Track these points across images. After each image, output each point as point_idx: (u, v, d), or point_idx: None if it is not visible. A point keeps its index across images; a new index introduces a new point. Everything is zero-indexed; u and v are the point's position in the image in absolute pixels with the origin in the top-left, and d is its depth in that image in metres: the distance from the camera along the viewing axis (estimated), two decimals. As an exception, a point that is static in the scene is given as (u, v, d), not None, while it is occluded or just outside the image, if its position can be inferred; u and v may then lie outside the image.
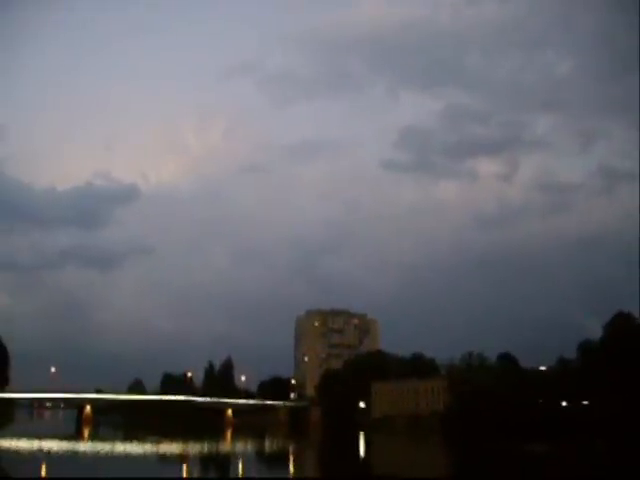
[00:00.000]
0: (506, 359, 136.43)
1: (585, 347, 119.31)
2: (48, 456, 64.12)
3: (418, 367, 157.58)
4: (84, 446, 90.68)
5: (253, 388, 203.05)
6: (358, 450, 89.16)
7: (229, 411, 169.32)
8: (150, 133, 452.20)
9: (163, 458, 69.85)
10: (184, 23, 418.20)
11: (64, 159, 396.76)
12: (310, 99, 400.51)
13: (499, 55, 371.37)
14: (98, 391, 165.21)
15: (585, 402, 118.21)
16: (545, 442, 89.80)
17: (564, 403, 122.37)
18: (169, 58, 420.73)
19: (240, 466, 60.99)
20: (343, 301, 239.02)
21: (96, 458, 67.03)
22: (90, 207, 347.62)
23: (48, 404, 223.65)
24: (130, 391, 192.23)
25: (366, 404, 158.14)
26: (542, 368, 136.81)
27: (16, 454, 64.63)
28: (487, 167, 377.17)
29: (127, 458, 67.33)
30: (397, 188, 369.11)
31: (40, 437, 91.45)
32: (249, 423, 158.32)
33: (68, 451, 76.20)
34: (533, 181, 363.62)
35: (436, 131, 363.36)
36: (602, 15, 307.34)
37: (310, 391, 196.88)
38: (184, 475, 51.32)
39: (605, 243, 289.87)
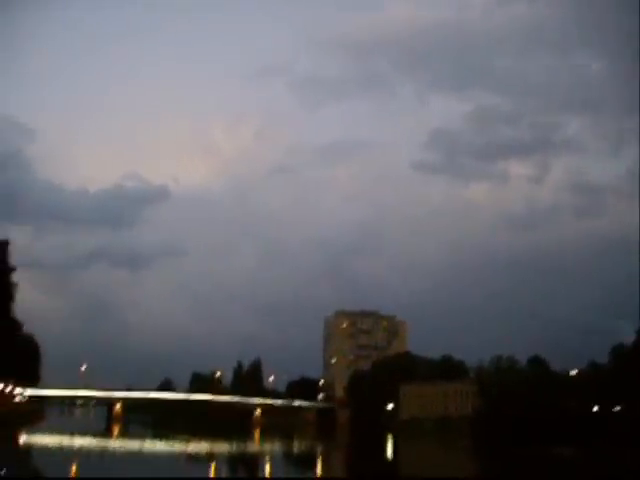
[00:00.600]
0: (536, 362, 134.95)
1: (618, 351, 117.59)
2: (79, 453, 64.63)
3: (447, 369, 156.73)
4: (114, 444, 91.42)
5: (281, 388, 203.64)
6: (385, 452, 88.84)
7: (257, 411, 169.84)
8: (181, 134, 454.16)
9: (192, 457, 70.19)
10: (215, 25, 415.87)
11: (95, 160, 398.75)
12: (340, 101, 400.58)
13: (529, 56, 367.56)
14: (128, 390, 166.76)
15: (617, 407, 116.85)
16: (574, 447, 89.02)
17: (595, 408, 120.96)
18: (200, 59, 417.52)
19: (268, 466, 60.95)
20: (371, 303, 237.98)
21: (126, 456, 67.65)
22: (120, 208, 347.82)
23: (79, 402, 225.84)
24: (160, 390, 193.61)
25: (394, 406, 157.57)
26: (573, 372, 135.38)
27: (47, 451, 65.30)
28: (517, 169, 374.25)
29: (156, 456, 67.74)
30: (426, 189, 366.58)
31: (71, 434, 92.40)
32: (277, 423, 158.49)
33: (98, 448, 77.08)
34: (564, 183, 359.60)
35: (466, 133, 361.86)
36: (634, 15, 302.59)
37: (338, 392, 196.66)
38: (212, 475, 51.30)
39: (636, 246, 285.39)
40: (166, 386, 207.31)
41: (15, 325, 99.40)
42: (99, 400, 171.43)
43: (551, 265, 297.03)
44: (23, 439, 75.95)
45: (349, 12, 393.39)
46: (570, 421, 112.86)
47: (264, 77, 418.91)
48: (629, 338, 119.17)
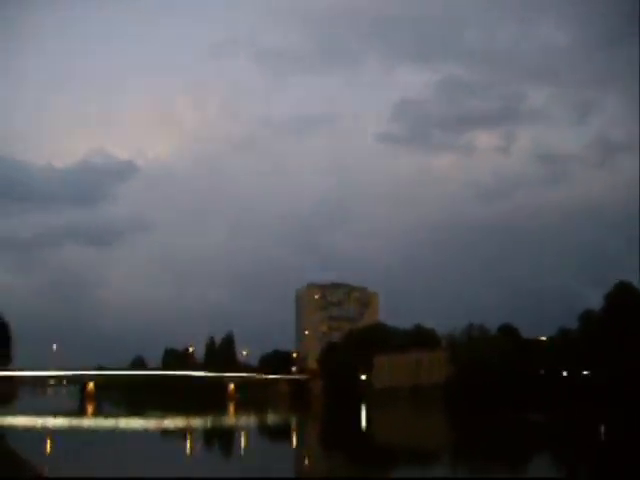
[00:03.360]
0: (507, 330, 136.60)
1: (586, 317, 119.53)
2: (54, 433, 63.95)
3: (419, 339, 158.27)
4: (88, 422, 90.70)
5: (254, 362, 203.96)
6: (360, 422, 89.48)
7: (231, 385, 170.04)
8: (145, 109, 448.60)
9: (167, 433, 69.80)
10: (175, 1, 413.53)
11: (60, 137, 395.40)
12: (306, 73, 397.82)
13: (495, 28, 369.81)
14: (100, 368, 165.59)
15: (585, 372, 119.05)
16: (544, 412, 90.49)
17: (565, 373, 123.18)
18: (163, 34, 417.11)
19: (243, 440, 61.02)
20: (343, 275, 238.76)
21: (101, 434, 67.07)
22: (87, 184, 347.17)
23: (51, 381, 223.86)
24: (132, 367, 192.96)
25: (367, 376, 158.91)
26: (542, 338, 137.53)
27: (22, 431, 64.52)
28: (484, 139, 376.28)
29: (131, 434, 67.16)
30: (393, 161, 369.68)
31: (44, 414, 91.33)
32: (251, 397, 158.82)
33: (73, 427, 76.37)
34: (530, 152, 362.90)
35: (432, 104, 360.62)
36: None
37: (312, 364, 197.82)
38: (188, 449, 51.26)
39: (603, 214, 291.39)
40: (138, 363, 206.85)
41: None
42: (71, 379, 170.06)
43: (519, 234, 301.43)
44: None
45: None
46: (540, 386, 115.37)
47: (228, 50, 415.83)
48: (597, 304, 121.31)
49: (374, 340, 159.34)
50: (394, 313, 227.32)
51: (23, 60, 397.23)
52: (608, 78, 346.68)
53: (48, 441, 51.81)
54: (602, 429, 66.73)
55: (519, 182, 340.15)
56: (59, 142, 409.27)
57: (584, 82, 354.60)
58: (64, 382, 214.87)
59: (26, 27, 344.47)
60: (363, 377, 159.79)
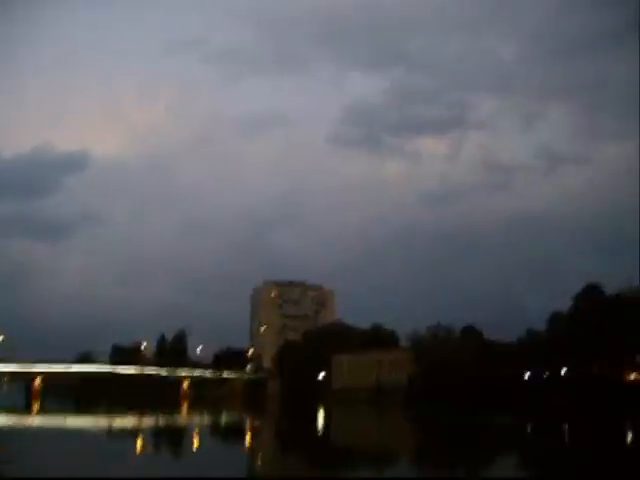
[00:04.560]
0: (470, 332, 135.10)
1: (554, 318, 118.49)
2: (2, 433, 59.80)
3: (378, 339, 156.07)
4: (35, 421, 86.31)
5: (207, 360, 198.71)
6: (316, 422, 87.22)
7: (185, 383, 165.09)
8: (94, 105, 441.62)
9: (117, 432, 66.50)
10: None
11: (8, 128, 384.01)
12: (257, 75, 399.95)
13: (444, 38, 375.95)
14: (45, 363, 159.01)
15: (546, 374, 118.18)
16: (509, 413, 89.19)
17: (527, 375, 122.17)
18: (112, 31, 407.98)
19: (195, 440, 58.06)
20: (295, 274, 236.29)
21: (49, 433, 63.25)
22: (35, 176, 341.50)
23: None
24: (78, 363, 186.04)
25: (326, 376, 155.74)
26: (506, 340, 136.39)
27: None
28: (432, 146, 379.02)
29: (81, 433, 63.64)
30: (343, 163, 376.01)
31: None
32: (205, 395, 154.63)
33: (20, 426, 72.63)
34: (477, 161, 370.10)
35: (383, 109, 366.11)
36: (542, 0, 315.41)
37: (267, 363, 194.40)
38: (139, 449, 48.16)
39: (547, 221, 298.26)
40: (85, 359, 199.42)
41: None
42: (14, 374, 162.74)
43: (466, 240, 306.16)
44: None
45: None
46: (505, 388, 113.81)
47: (177, 51, 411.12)
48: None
49: (332, 339, 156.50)
50: (350, 313, 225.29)
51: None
52: (554, 89, 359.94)
53: None
54: (565, 430, 66.69)
55: (466, 189, 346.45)
56: (7, 133, 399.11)
57: (531, 93, 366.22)
58: (5, 378, 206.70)
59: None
60: (321, 376, 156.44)
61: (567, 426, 70.52)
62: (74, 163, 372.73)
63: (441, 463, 39.73)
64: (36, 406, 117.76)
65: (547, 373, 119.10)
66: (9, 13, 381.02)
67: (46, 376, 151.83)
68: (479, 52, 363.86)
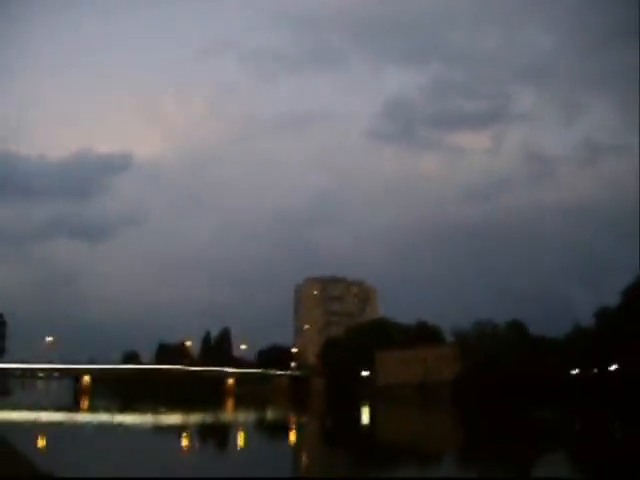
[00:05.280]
0: (516, 326, 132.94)
1: (602, 313, 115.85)
2: (52, 428, 61.41)
3: (422, 335, 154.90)
4: (84, 417, 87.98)
5: (251, 358, 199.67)
6: (363, 419, 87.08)
7: (230, 380, 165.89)
8: (134, 106, 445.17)
9: (163, 429, 67.69)
10: (165, 1, 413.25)
11: (52, 131, 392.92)
12: (294, 73, 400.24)
13: (481, 31, 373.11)
14: (91, 362, 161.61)
15: (594, 370, 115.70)
16: (558, 410, 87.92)
17: (576, 371, 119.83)
18: (150, 34, 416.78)
19: (241, 436, 58.62)
20: (336, 270, 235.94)
21: (98, 429, 64.99)
22: (79, 178, 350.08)
23: (40, 374, 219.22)
24: (125, 361, 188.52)
25: (370, 372, 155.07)
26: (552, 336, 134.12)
27: (20, 427, 61.05)
28: (472, 140, 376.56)
29: (128, 429, 65.01)
30: (381, 159, 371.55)
31: (40, 409, 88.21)
32: (249, 392, 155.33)
33: (71, 423, 74.22)
34: (518, 153, 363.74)
35: (420, 104, 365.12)
36: None
37: (311, 359, 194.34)
38: (184, 445, 48.96)
39: (592, 213, 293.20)
40: (131, 357, 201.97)
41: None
42: (64, 372, 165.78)
43: (509, 233, 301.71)
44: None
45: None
46: (553, 384, 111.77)
47: (216, 51, 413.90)
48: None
49: (376, 336, 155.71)
50: (393, 309, 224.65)
51: (16, 57, 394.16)
52: (596, 80, 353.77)
53: (46, 437, 49.42)
54: (617, 427, 65.70)
55: (507, 182, 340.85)
56: (51, 137, 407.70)
57: (571, 83, 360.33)
58: (55, 375, 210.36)
59: (20, 26, 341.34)
60: (365, 373, 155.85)
61: (618, 425, 68.87)
62: (116, 165, 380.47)
63: (492, 462, 39.19)
64: (85, 403, 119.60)
65: (595, 370, 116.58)
66: (56, 21, 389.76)
67: (94, 374, 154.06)
68: (518, 44, 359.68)
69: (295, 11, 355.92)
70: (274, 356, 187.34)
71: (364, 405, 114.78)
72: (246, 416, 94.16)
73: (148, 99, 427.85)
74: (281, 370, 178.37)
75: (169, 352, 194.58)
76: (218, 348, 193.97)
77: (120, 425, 70.66)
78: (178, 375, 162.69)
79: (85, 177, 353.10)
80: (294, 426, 74.42)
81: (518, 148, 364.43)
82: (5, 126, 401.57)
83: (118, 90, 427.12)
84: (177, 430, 64.42)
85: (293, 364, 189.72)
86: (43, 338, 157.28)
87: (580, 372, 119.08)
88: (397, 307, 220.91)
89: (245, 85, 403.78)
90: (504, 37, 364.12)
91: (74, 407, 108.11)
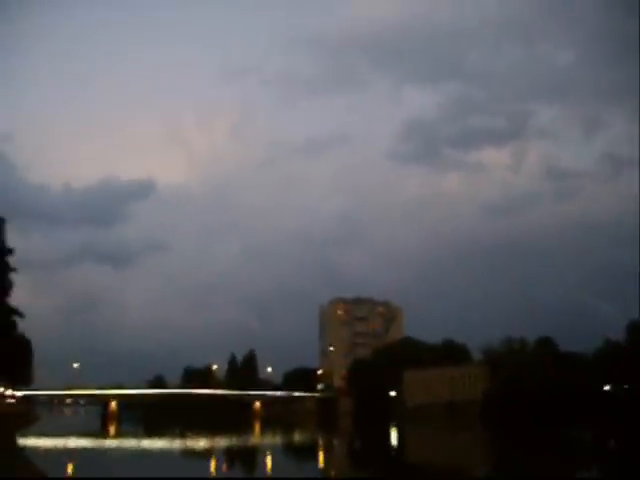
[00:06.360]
0: (545, 343, 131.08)
1: (632, 328, 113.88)
2: (80, 454, 61.43)
3: (449, 353, 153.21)
4: (112, 443, 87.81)
5: (277, 380, 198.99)
6: (391, 441, 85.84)
7: (257, 403, 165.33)
8: (156, 133, 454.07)
9: (191, 453, 67.48)
10: (188, 23, 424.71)
11: (74, 160, 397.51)
12: (315, 96, 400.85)
13: (499, 49, 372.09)
14: (119, 387, 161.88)
15: (626, 386, 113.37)
16: (591, 429, 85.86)
17: (607, 387, 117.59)
18: (173, 58, 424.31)
19: (269, 459, 58.11)
20: (361, 291, 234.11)
21: (127, 455, 64.81)
22: (102, 206, 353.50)
23: (68, 401, 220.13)
24: (151, 386, 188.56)
25: (397, 393, 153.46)
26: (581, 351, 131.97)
27: (49, 453, 61.14)
28: (492, 157, 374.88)
29: (157, 454, 65.02)
30: (403, 179, 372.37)
31: (68, 435, 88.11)
32: (276, 415, 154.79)
33: (99, 448, 74.14)
34: (539, 169, 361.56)
35: (440, 123, 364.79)
36: (600, 4, 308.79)
37: (337, 381, 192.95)
38: (212, 470, 48.83)
39: (615, 228, 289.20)
40: (158, 382, 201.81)
41: (9, 323, 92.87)
42: (91, 398, 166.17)
43: (530, 250, 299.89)
44: (23, 441, 71.46)
45: (318, 10, 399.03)
46: (584, 401, 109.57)
47: (238, 75, 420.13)
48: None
49: (403, 355, 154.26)
50: (419, 328, 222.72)
51: (40, 85, 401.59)
52: (615, 94, 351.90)
53: (74, 463, 49.50)
54: None
55: (529, 198, 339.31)
56: (73, 166, 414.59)
57: (590, 99, 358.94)
58: (82, 402, 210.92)
59: (46, 50, 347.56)
60: (393, 394, 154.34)
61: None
62: (139, 191, 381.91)
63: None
64: (112, 429, 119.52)
65: (627, 385, 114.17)
66: (80, 46, 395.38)
67: (121, 400, 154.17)
68: (535, 60, 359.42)
69: (314, 34, 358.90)
70: (300, 378, 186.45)
71: (392, 426, 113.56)
72: (273, 439, 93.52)
73: (170, 124, 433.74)
74: (307, 392, 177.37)
75: (195, 376, 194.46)
76: (244, 371, 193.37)
77: (147, 450, 70.41)
78: (204, 399, 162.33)
79: (109, 205, 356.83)
80: (321, 449, 73.75)
81: (538, 164, 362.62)
82: (29, 154, 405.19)
83: (140, 116, 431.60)
84: (205, 454, 64.07)
85: (319, 386, 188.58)
86: (70, 364, 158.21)
87: (612, 387, 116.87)
88: (423, 326, 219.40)
89: (266, 108, 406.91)
90: (522, 54, 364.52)
91: (102, 433, 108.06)
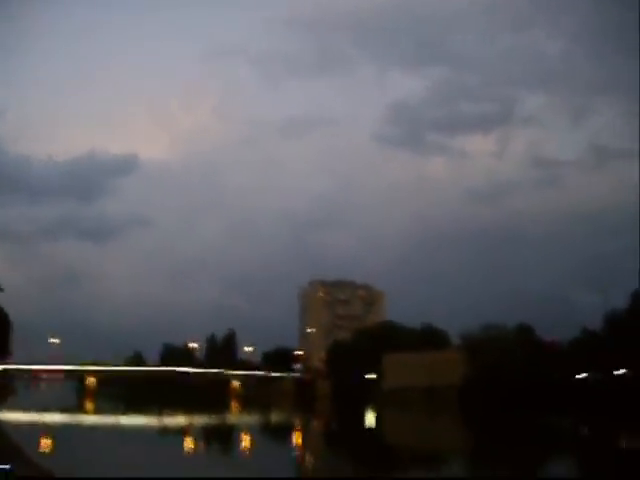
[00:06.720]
0: (523, 330, 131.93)
1: (610, 318, 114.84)
2: (57, 430, 61.09)
3: (428, 338, 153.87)
4: (89, 419, 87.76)
5: (256, 360, 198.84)
6: (367, 423, 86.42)
7: (234, 383, 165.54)
8: (140, 110, 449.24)
9: (167, 431, 67.57)
10: (171, 4, 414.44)
11: (59, 133, 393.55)
12: (300, 77, 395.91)
13: (488, 34, 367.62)
14: (97, 363, 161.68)
15: (600, 374, 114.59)
16: (567, 415, 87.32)
17: (584, 375, 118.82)
18: (157, 37, 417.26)
19: (246, 438, 58.39)
20: (342, 273, 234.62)
21: (102, 431, 64.87)
22: (85, 180, 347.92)
23: (45, 376, 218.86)
24: (129, 363, 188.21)
25: (376, 376, 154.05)
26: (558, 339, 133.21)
27: (25, 428, 60.74)
28: (478, 143, 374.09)
29: (134, 431, 65.15)
30: (388, 162, 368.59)
31: (45, 410, 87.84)
32: (254, 395, 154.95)
33: (75, 424, 74.01)
34: (524, 157, 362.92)
35: (426, 107, 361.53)
36: None
37: (316, 362, 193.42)
38: (189, 446, 48.80)
39: (598, 218, 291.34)
40: (136, 359, 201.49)
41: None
42: (68, 374, 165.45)
43: (514, 237, 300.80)
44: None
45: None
46: (562, 389, 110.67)
47: (221, 55, 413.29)
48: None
49: (382, 339, 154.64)
50: (400, 312, 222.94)
51: (25, 59, 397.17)
52: (603, 84, 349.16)
53: (51, 439, 49.84)
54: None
55: (513, 185, 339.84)
56: (60, 138, 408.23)
57: (577, 88, 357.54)
58: (59, 377, 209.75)
59: (29, 28, 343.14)
60: (371, 377, 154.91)
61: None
62: (123, 166, 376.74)
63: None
64: (89, 405, 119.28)
65: (601, 374, 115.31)
66: (63, 24, 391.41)
67: (99, 376, 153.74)
68: (524, 47, 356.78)
69: (300, 15, 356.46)
70: (279, 359, 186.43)
71: (371, 409, 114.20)
72: (250, 419, 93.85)
73: (155, 101, 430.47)
74: (286, 373, 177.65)
75: (174, 354, 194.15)
76: (223, 350, 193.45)
77: (124, 427, 70.45)
78: (183, 377, 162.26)
79: (92, 178, 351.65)
80: (297, 429, 74.07)
81: (524, 151, 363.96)
82: (13, 127, 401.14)
83: (125, 92, 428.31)
84: (181, 432, 64.08)
85: (298, 367, 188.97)
86: (48, 339, 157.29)
87: (589, 375, 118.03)
88: (404, 310, 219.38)
89: (251, 88, 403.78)
90: (511, 40, 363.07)
91: (78, 408, 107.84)
